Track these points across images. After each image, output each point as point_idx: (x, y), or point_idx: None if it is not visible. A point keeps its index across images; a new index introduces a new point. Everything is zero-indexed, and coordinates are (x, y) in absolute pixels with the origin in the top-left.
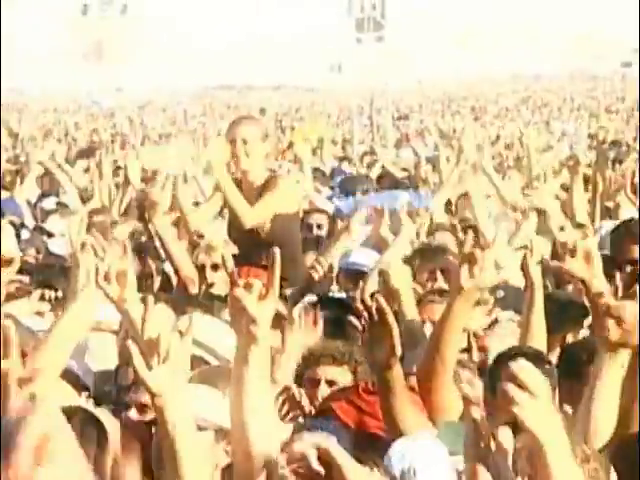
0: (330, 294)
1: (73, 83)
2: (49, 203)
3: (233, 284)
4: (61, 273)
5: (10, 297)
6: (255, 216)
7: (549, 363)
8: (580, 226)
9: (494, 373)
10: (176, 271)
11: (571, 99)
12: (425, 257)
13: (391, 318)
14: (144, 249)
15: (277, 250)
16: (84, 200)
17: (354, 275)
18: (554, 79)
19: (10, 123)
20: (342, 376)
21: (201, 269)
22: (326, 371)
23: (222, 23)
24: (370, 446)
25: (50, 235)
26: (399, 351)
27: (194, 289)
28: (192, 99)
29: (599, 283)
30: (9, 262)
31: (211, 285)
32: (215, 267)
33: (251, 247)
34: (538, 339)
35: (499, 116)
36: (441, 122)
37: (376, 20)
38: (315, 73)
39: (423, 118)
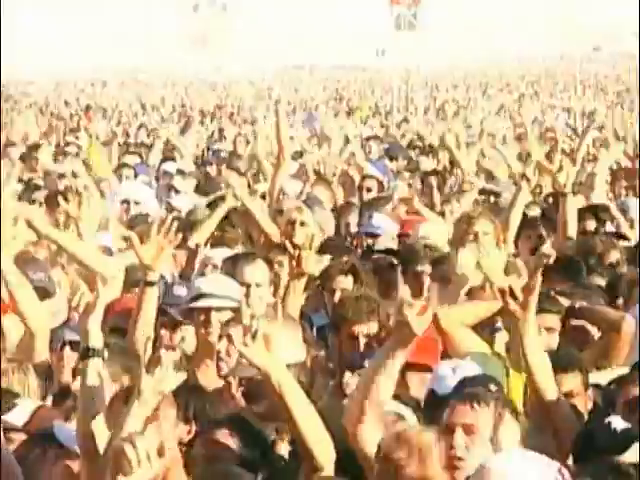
0: None
1: (184, 64)
2: (170, 167)
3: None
4: (180, 224)
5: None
6: None
7: None
8: None
9: None
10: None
11: (559, 75)
12: None
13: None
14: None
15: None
16: (197, 164)
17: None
18: (545, 60)
19: (141, 95)
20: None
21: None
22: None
23: (296, 18)
24: None
25: (177, 191)
26: None
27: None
28: (273, 76)
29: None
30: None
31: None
32: (302, 223)
33: None
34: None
35: (502, 90)
36: (458, 95)
37: (410, 22)
38: (366, 56)
39: (446, 92)
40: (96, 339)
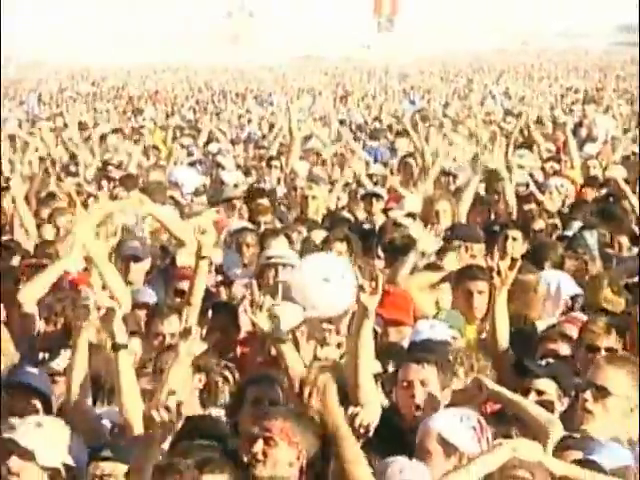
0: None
1: (221, 57)
2: (213, 147)
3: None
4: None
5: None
6: None
7: None
8: None
9: None
10: None
11: (497, 64)
12: None
13: None
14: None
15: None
16: (233, 142)
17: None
18: (486, 51)
19: (190, 80)
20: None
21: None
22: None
23: (304, 22)
24: None
25: (223, 168)
26: None
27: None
28: (288, 65)
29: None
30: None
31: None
32: (314, 197)
33: None
34: None
35: (457, 75)
36: (426, 81)
37: (388, 26)
38: (356, 50)
39: (416, 79)
40: (121, 336)
